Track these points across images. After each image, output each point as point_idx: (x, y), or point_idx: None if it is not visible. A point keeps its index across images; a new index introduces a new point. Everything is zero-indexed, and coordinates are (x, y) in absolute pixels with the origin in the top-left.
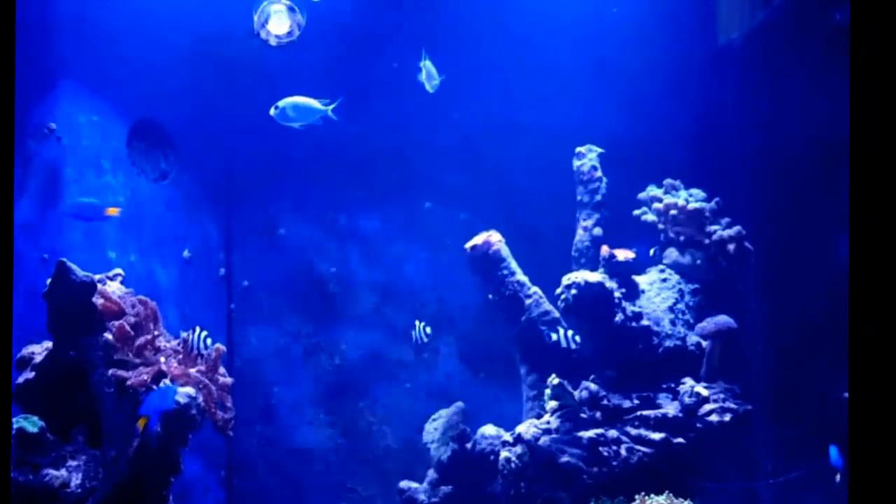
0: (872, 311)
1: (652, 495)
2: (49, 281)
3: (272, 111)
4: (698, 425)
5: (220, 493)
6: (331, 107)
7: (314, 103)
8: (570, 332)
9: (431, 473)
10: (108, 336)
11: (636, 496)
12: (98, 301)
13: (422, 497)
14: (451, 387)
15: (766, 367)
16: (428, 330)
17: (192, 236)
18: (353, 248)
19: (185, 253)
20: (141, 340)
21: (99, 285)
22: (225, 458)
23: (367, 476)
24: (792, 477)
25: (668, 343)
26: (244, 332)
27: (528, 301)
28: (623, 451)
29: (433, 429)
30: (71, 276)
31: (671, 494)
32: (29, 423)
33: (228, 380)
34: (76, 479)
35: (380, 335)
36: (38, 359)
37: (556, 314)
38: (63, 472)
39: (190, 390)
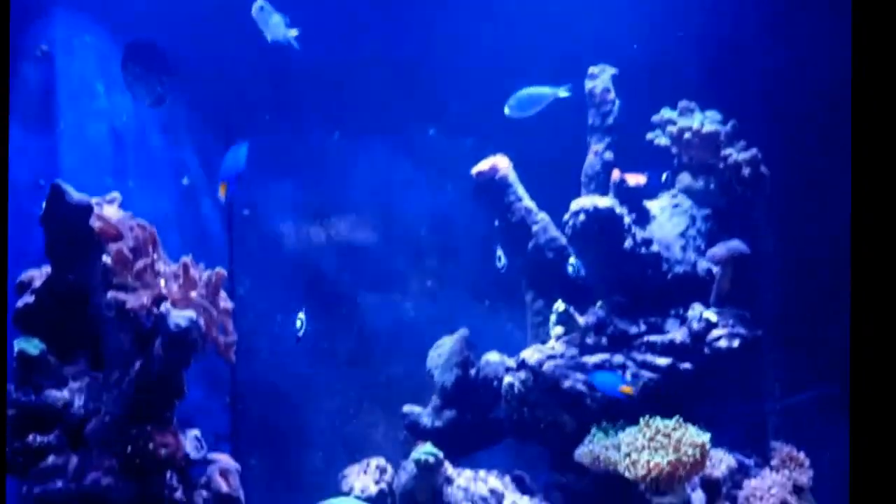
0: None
1: (657, 418)
2: (44, 204)
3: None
4: (706, 351)
5: (224, 418)
6: (292, 33)
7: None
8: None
9: (435, 399)
10: (107, 259)
11: (640, 419)
12: (95, 224)
13: (425, 421)
14: (455, 316)
15: (778, 293)
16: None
17: (191, 163)
18: (356, 175)
19: (184, 180)
20: (140, 264)
21: (96, 208)
22: (229, 385)
23: (371, 403)
24: (798, 400)
25: (678, 269)
26: (245, 262)
27: (535, 227)
28: (628, 377)
29: (437, 356)
30: (66, 198)
31: (680, 418)
32: (30, 346)
33: (229, 304)
34: (79, 401)
35: (383, 264)
36: (37, 283)
37: (564, 241)
38: (65, 393)
39: (191, 313)
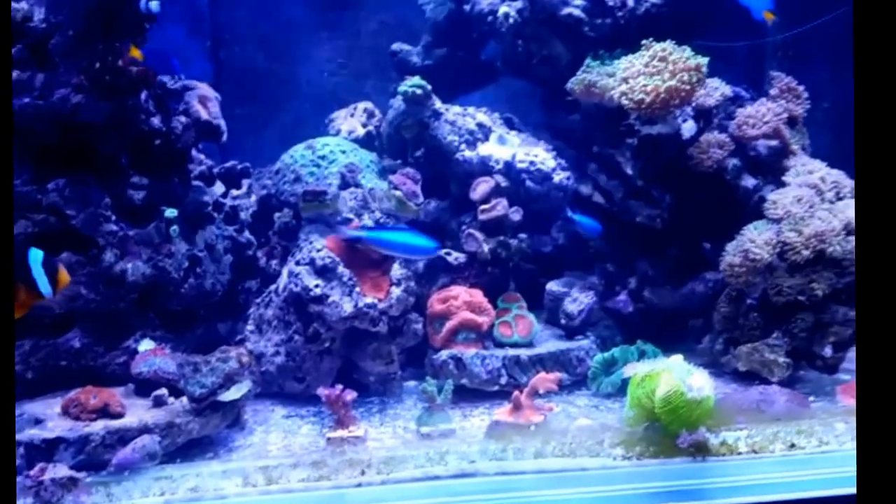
0: None
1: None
2: None
3: None
4: None
5: (205, 64)
6: None
7: None
8: None
9: (426, 37)
10: None
11: (642, 42)
12: None
13: (415, 59)
14: None
15: None
16: None
17: None
18: None
19: None
20: None
21: None
22: (209, 28)
23: (361, 51)
24: (803, 30)
25: None
26: None
27: None
28: (630, 2)
29: None
30: None
31: (674, 43)
32: None
33: None
34: (39, 14)
35: None
36: None
37: None
38: (23, 4)
39: None
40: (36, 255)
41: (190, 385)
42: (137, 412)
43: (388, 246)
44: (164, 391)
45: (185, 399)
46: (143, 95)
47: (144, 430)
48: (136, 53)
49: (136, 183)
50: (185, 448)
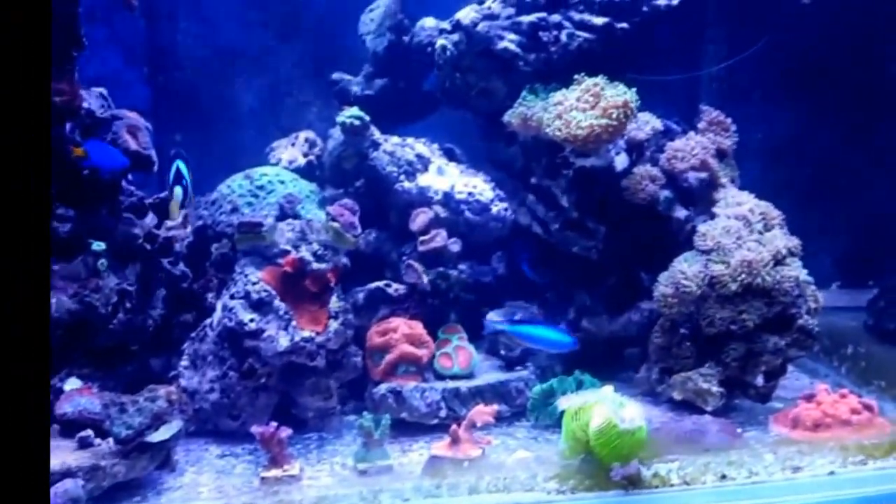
0: None
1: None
2: None
3: None
4: (644, 9)
5: (143, 90)
6: None
7: None
8: None
9: (367, 67)
10: None
11: (575, 77)
12: None
13: (355, 89)
14: None
15: None
16: None
17: None
18: None
19: None
20: None
21: None
22: (147, 54)
23: (305, 79)
24: (730, 63)
25: None
26: None
27: None
28: (563, 37)
29: (370, 20)
30: None
31: (606, 77)
32: None
33: None
34: None
35: None
36: None
37: None
38: None
39: None
40: None
41: (115, 426)
42: (61, 455)
43: (528, 339)
44: (89, 432)
45: (111, 440)
46: (69, 126)
47: (67, 473)
48: (78, 152)
49: (62, 215)
50: (110, 492)
